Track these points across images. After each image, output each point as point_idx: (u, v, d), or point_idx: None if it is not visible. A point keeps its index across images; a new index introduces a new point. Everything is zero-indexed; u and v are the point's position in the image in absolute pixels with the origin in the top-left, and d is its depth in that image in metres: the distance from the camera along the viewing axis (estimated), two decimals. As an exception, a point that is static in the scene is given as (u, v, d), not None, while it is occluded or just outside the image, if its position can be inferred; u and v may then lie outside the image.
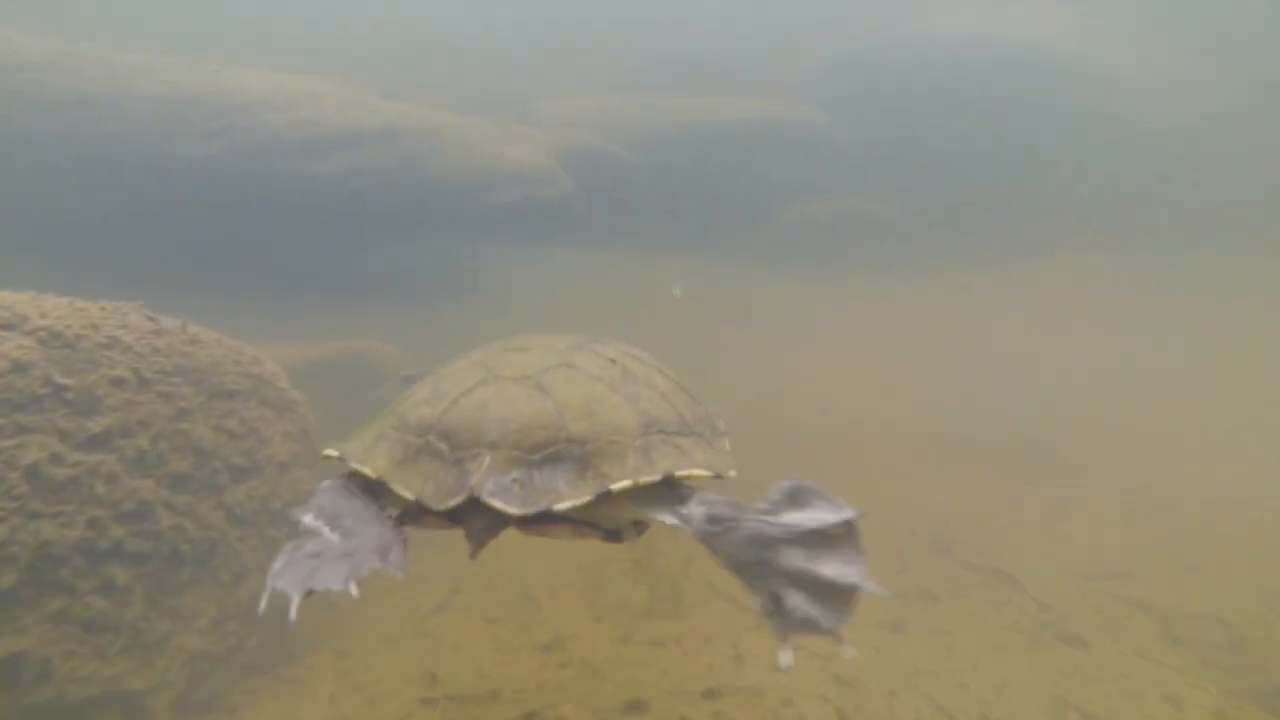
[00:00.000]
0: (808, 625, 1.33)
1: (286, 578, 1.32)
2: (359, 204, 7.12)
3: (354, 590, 1.29)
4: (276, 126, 7.01)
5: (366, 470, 1.47)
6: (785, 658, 1.31)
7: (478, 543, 1.48)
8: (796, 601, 1.36)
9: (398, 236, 7.15)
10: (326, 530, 1.44)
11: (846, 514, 1.41)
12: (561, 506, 1.38)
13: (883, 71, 11.15)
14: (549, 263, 7.68)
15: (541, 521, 1.44)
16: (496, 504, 1.36)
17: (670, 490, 1.51)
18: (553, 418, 1.49)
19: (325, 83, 7.65)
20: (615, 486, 1.41)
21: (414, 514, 1.49)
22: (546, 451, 1.44)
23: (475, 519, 1.44)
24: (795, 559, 1.39)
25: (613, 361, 1.75)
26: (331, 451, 1.58)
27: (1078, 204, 9.82)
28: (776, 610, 1.36)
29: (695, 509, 1.45)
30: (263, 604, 1.28)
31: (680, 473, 1.50)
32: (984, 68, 10.71)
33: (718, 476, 1.58)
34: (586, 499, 1.38)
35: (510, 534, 1.50)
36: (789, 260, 9.14)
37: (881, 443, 5.03)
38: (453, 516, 1.43)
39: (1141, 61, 11.19)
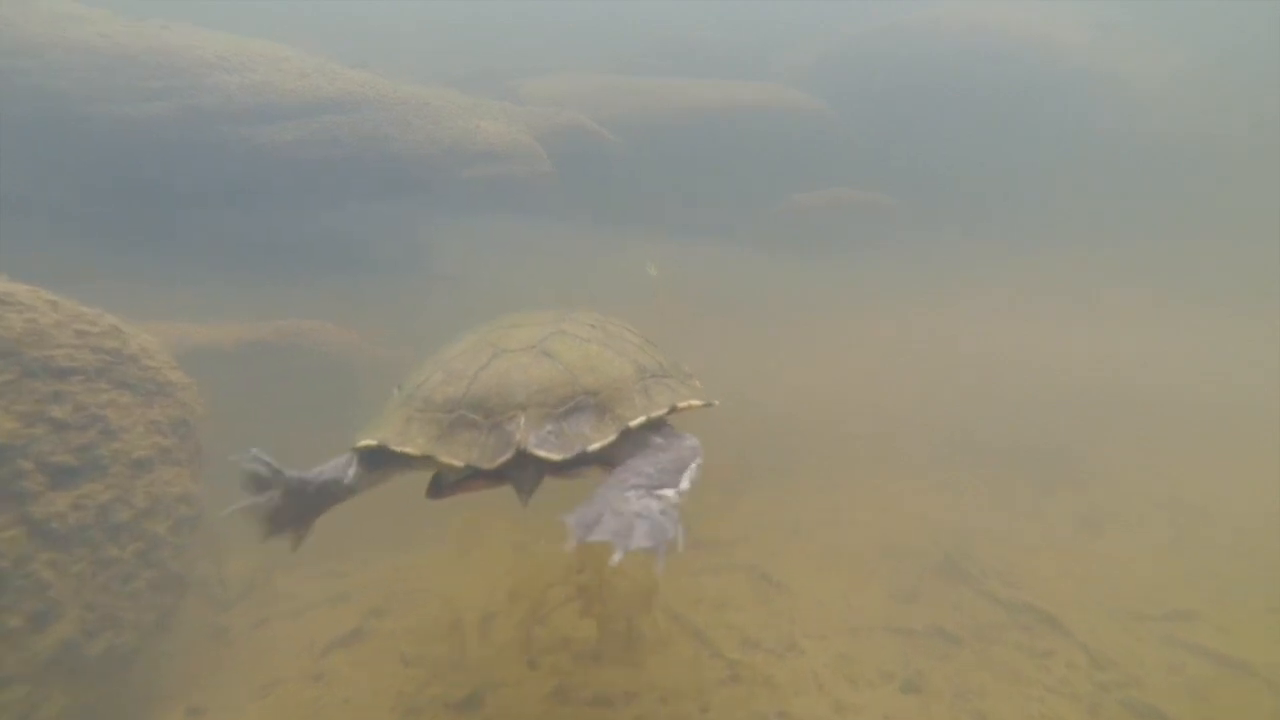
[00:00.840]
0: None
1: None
2: (314, 176, 6.30)
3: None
4: (228, 89, 6.18)
5: (410, 450, 1.55)
6: None
7: (527, 492, 1.60)
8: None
9: (355, 212, 6.34)
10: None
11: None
12: (593, 448, 1.53)
13: (884, 59, 10.36)
14: (522, 244, 6.88)
15: (576, 464, 1.58)
16: (542, 453, 1.49)
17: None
18: (566, 376, 1.63)
19: (286, 48, 6.81)
20: (633, 423, 1.58)
21: (456, 481, 1.62)
22: (569, 405, 1.57)
23: (521, 472, 1.55)
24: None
25: (593, 326, 1.92)
26: (369, 442, 1.63)
27: (1084, 198, 9.08)
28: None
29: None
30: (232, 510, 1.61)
31: (681, 405, 1.69)
32: (989, 58, 9.94)
33: (708, 405, 1.79)
34: (612, 438, 1.54)
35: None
36: (783, 248, 8.37)
37: (881, 443, 4.26)
38: (498, 474, 1.54)
39: (1152, 59, 10.44)
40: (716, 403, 1.84)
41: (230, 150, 6.08)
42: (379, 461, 1.68)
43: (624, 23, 11.76)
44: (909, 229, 9.08)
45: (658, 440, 1.65)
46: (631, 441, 1.63)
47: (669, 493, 1.50)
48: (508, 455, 1.49)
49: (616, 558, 1.33)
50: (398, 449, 1.56)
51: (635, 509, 1.42)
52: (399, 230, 6.51)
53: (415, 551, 3.63)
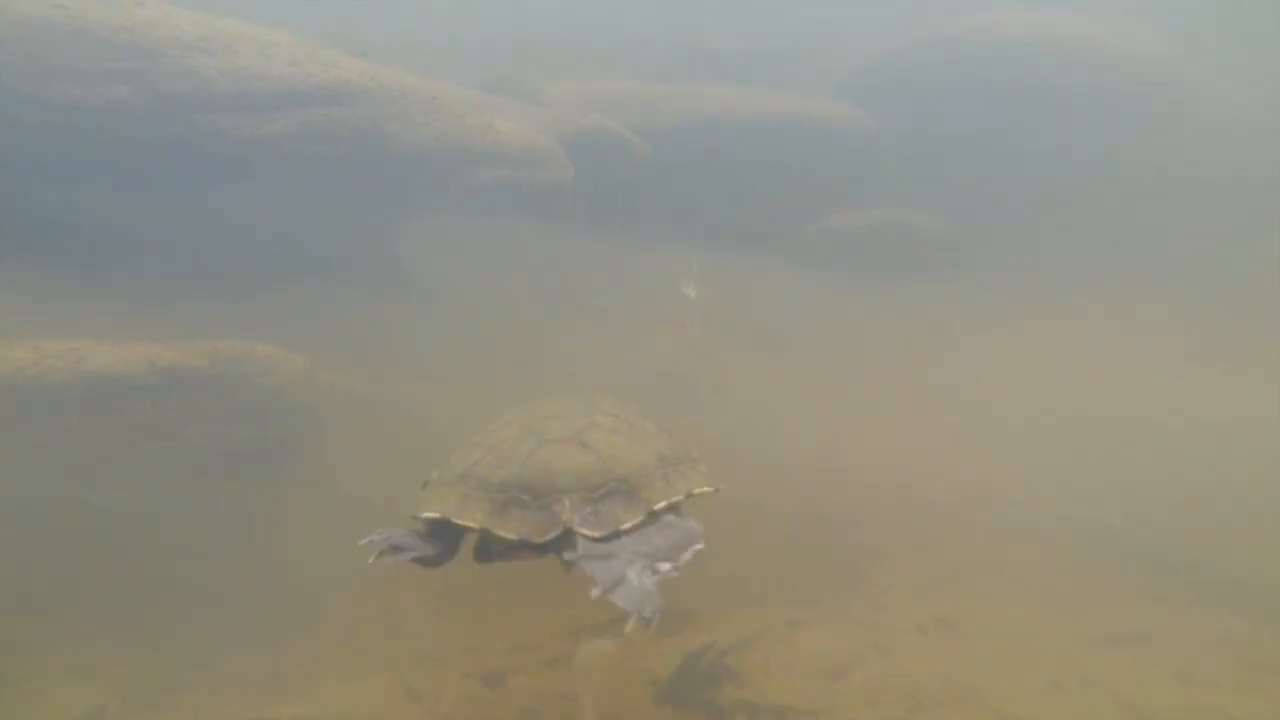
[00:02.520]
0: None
1: (381, 538, 1.87)
2: (302, 174, 5.17)
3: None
4: (207, 74, 5.10)
5: (470, 524, 1.78)
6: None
7: (571, 563, 1.73)
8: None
9: (343, 217, 5.16)
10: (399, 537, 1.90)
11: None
12: (625, 526, 1.75)
13: (933, 70, 9.04)
14: (534, 257, 5.65)
15: (610, 539, 1.73)
16: (585, 531, 1.72)
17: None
18: (601, 465, 1.86)
19: (278, 33, 5.70)
20: (657, 506, 1.83)
21: (504, 550, 1.82)
22: (604, 490, 1.80)
23: (564, 546, 1.72)
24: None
25: (617, 417, 2.13)
26: (432, 514, 1.84)
27: (1168, 224, 7.57)
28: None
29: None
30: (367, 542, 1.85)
31: (696, 491, 1.96)
32: (1049, 70, 8.57)
33: (716, 490, 2.03)
34: (640, 518, 1.79)
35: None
36: (825, 271, 7.05)
37: (995, 539, 2.88)
38: (544, 546, 1.74)
39: (1233, 83, 8.97)
40: (722, 487, 2.03)
41: (205, 143, 4.98)
42: (439, 529, 1.87)
43: (653, 28, 10.61)
44: (963, 256, 7.70)
45: (670, 518, 1.86)
46: (654, 518, 1.83)
47: (666, 567, 1.71)
48: (556, 532, 1.70)
49: (596, 594, 1.59)
50: (459, 521, 1.79)
51: (633, 578, 1.62)
52: (388, 238, 5.32)
53: (343, 684, 2.35)
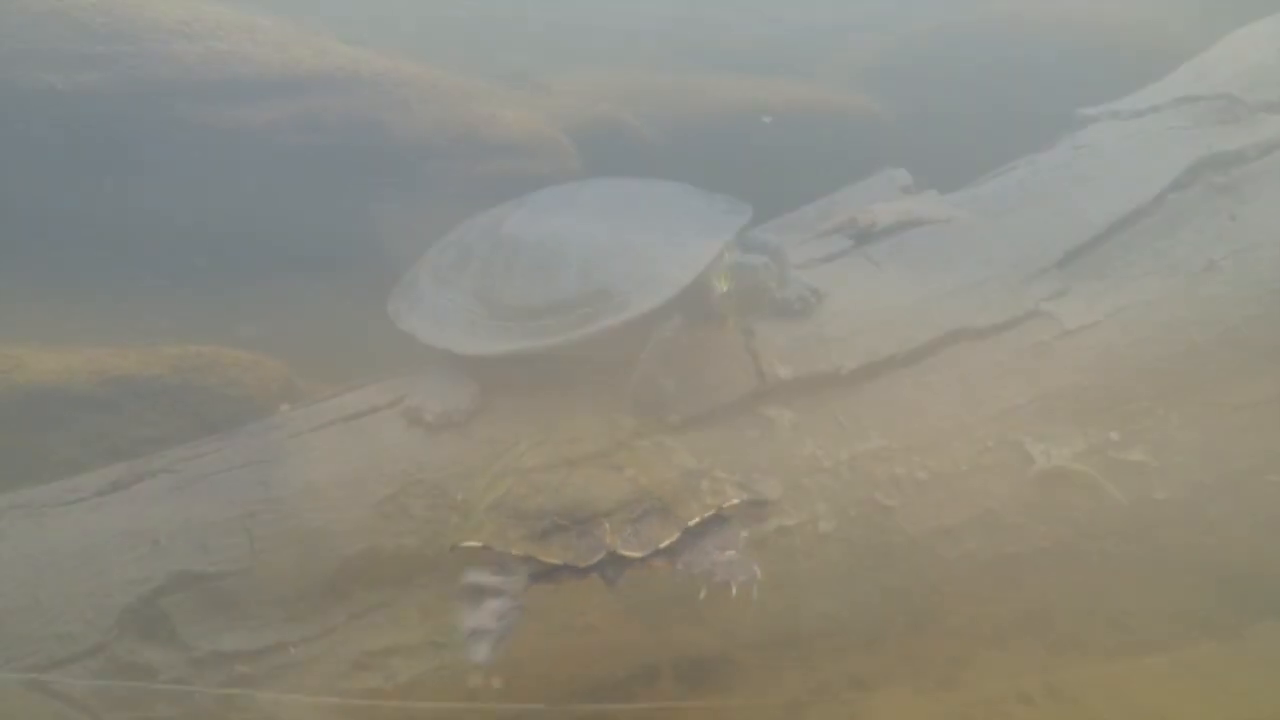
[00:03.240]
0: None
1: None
2: (289, 165, 4.71)
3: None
4: (187, 59, 4.66)
5: (515, 551, 1.81)
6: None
7: (613, 583, 1.86)
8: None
9: (335, 211, 4.69)
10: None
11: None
12: (665, 544, 1.83)
13: (947, 59, 8.48)
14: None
15: (650, 557, 1.84)
16: (628, 553, 1.80)
17: None
18: (634, 484, 1.91)
19: (265, 18, 5.24)
20: (691, 523, 1.89)
21: (551, 574, 1.85)
22: (640, 509, 1.86)
23: (607, 568, 1.83)
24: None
25: (637, 433, 2.17)
26: (472, 544, 1.88)
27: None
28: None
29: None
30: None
31: (726, 504, 2.00)
32: (1078, 54, 8.01)
33: (745, 498, 2.11)
34: (678, 535, 1.85)
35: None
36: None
37: (1091, 571, 2.36)
38: (586, 570, 1.82)
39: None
40: (750, 495, 2.09)
41: (185, 133, 4.54)
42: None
43: (662, 20, 10.11)
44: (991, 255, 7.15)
45: (714, 524, 1.95)
46: (690, 532, 1.90)
47: (730, 553, 1.88)
48: (600, 556, 1.76)
49: (734, 590, 1.78)
50: (502, 550, 1.79)
51: (725, 560, 1.83)
52: (383, 234, 4.84)
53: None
